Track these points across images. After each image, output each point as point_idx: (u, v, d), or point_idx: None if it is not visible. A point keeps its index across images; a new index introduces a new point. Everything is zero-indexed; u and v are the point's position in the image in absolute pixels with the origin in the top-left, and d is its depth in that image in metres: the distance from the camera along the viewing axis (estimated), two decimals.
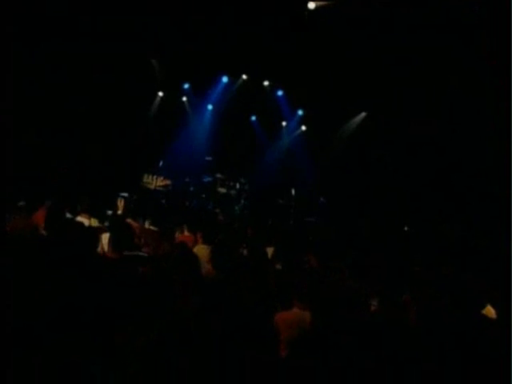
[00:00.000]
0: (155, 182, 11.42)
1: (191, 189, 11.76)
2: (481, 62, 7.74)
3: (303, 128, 12.99)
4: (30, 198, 5.21)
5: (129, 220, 5.37)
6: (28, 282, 2.38)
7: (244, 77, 12.13)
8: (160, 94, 12.38)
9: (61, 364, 1.95)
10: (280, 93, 12.39)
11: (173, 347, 1.91)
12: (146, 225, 6.64)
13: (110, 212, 6.23)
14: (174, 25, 9.20)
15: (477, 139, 8.79)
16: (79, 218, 4.82)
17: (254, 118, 12.99)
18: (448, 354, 2.14)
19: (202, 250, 4.49)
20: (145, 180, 11.46)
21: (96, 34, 8.96)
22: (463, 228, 8.78)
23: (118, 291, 2.55)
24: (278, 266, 4.80)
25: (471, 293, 3.06)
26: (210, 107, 12.81)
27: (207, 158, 12.03)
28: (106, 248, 3.82)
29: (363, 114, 12.09)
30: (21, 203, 4.95)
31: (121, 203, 6.15)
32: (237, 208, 11.80)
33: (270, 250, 5.38)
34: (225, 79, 12.17)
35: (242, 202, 11.94)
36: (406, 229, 10.21)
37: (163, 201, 11.21)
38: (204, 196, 11.83)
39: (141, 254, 3.93)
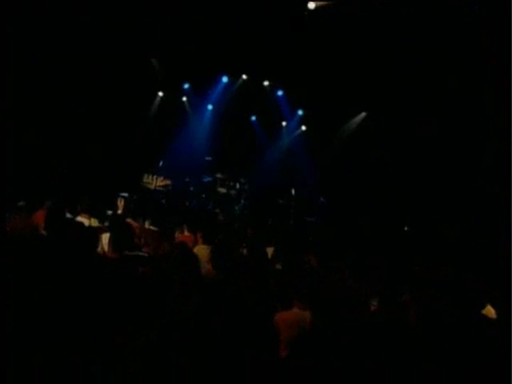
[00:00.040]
0: (155, 182, 11.43)
1: (191, 189, 11.76)
2: (481, 62, 7.73)
3: (303, 128, 12.98)
4: (30, 197, 5.22)
5: (129, 220, 5.37)
6: (28, 282, 2.38)
7: (244, 77, 12.13)
8: (160, 93, 12.39)
9: (61, 364, 1.95)
10: (280, 93, 12.39)
11: (173, 347, 1.91)
12: (146, 225, 6.65)
13: (109, 212, 6.24)
14: (173, 25, 9.21)
15: (477, 139, 8.77)
16: (79, 218, 4.83)
17: (254, 118, 12.99)
18: (448, 353, 2.13)
19: (202, 250, 4.49)
20: (145, 180, 11.46)
21: (96, 33, 8.96)
22: (463, 228, 8.77)
23: (118, 291, 2.55)
24: (278, 266, 4.79)
25: (471, 293, 3.06)
26: (210, 107, 12.81)
27: (207, 158, 12.04)
28: (106, 248, 3.83)
29: (363, 114, 12.09)
30: (21, 203, 4.96)
31: (121, 203, 6.15)
32: (237, 208, 11.80)
33: (270, 250, 5.39)
34: (225, 79, 12.17)
35: (242, 202, 11.94)
36: (406, 229, 10.21)
37: (163, 201, 11.21)
38: (204, 196, 11.83)
39: (141, 254, 3.93)
